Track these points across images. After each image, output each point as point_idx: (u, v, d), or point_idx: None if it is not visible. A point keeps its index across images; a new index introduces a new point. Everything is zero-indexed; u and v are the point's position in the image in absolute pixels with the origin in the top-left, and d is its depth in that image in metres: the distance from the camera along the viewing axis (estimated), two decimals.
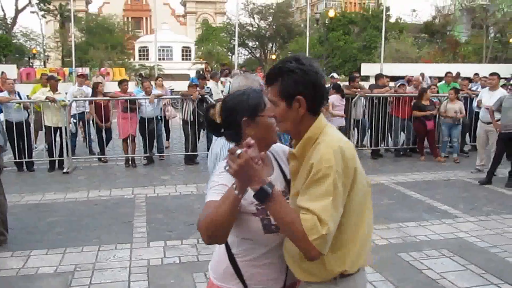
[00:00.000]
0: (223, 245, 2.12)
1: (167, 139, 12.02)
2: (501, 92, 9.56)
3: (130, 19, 69.95)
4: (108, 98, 10.62)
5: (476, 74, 15.29)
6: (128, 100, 9.91)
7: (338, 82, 11.66)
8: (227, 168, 1.74)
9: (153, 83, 11.60)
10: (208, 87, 10.97)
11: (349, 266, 1.96)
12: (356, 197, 1.94)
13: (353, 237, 1.96)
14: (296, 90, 1.91)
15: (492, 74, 10.05)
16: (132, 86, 13.26)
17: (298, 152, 1.99)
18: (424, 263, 5.08)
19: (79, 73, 14.56)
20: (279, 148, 2.26)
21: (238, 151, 1.70)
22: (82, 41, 47.96)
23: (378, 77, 12.19)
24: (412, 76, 13.19)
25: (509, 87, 9.42)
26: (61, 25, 53.18)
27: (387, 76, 12.87)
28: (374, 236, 5.91)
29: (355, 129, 11.31)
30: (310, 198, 1.81)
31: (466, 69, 24.84)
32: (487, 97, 9.63)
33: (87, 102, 10.65)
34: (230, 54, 51.35)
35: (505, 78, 13.35)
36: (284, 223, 1.81)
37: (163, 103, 11.19)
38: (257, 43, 58.46)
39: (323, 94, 1.99)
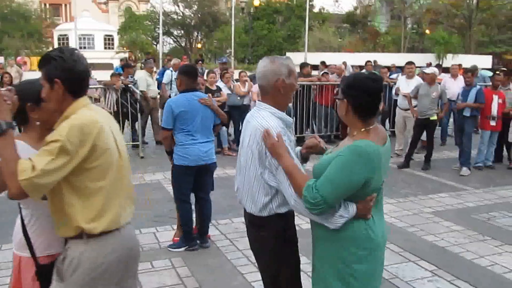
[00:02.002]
0: (20, 218, 2.45)
1: None
2: (417, 80, 10.01)
3: (48, 6, 66.72)
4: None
5: (393, 64, 15.94)
6: None
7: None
8: None
9: None
10: (131, 76, 10.72)
11: (92, 226, 2.29)
12: (95, 168, 2.27)
13: (98, 200, 2.30)
14: (55, 74, 2.27)
15: (409, 63, 10.49)
16: None
17: (56, 128, 2.28)
18: None
19: None
20: None
21: None
22: None
23: (303, 66, 12.40)
24: (335, 65, 13.53)
25: (424, 74, 9.84)
26: None
27: (312, 65, 13.17)
28: (299, 220, 6.05)
29: None
30: (37, 154, 2.15)
31: (386, 59, 25.83)
32: (405, 85, 10.06)
33: None
34: (155, 43, 50.46)
35: (421, 67, 13.97)
36: (4, 159, 2.12)
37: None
38: (182, 31, 57.72)
39: (82, 79, 2.35)
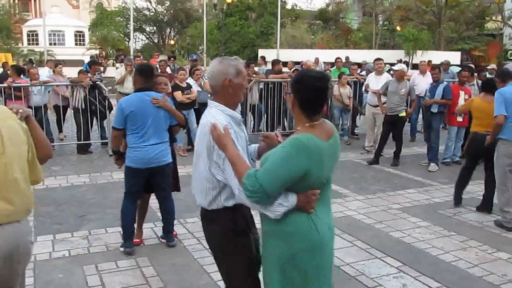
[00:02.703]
0: None
1: (60, 130, 11.35)
2: (386, 76, 10.08)
3: (16, 1, 65.32)
4: None
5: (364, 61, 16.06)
6: (12, 88, 9.29)
7: None
8: None
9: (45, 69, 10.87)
10: (99, 73, 10.56)
11: None
12: None
13: None
14: None
15: (377, 59, 10.54)
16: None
17: None
18: None
19: None
20: None
21: None
22: None
23: (274, 63, 12.40)
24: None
25: (391, 72, 9.94)
26: None
27: (284, 62, 13.19)
28: None
29: (251, 114, 11.46)
30: None
31: (357, 55, 26.01)
32: (374, 82, 10.11)
33: None
34: (127, 39, 49.77)
35: (390, 64, 14.11)
36: None
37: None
38: (154, 28, 57.08)
39: None
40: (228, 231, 2.82)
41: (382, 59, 10.55)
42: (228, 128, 2.66)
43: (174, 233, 5.30)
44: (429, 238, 5.46)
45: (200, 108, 9.84)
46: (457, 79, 9.74)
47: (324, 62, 18.20)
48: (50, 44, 45.68)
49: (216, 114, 2.76)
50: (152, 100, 4.76)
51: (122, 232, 5.05)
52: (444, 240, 5.43)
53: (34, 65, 13.80)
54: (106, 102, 9.91)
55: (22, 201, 2.59)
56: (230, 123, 2.74)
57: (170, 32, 58.31)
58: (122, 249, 4.97)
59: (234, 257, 2.84)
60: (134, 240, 5.11)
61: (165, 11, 55.74)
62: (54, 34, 53.22)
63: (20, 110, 2.70)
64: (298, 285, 2.58)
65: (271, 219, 2.55)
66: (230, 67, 2.80)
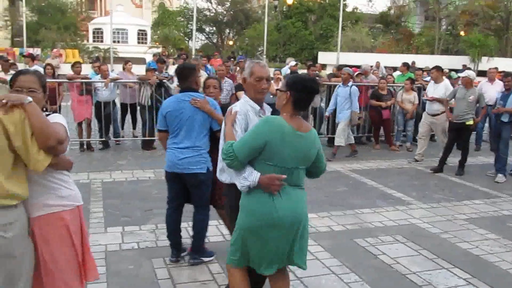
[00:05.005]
0: None
1: (133, 127, 11.26)
2: (445, 83, 9.65)
3: (83, 0, 67.80)
4: (60, 80, 10.30)
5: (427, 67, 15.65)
6: (83, 83, 9.66)
7: (297, 70, 11.69)
8: None
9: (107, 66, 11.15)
10: (167, 72, 10.82)
11: None
12: None
13: None
14: None
15: (434, 68, 10.04)
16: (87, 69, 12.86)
17: None
18: (379, 248, 5.22)
19: (25, 53, 13.98)
20: None
21: None
22: (33, 21, 46.24)
23: (339, 68, 12.24)
24: (371, 66, 13.34)
25: (458, 78, 9.57)
26: (10, 3, 51.00)
27: (343, 65, 13.04)
28: (331, 222, 6.03)
29: (312, 116, 11.42)
30: None
31: (419, 60, 25.43)
32: (432, 89, 9.72)
33: None
34: (187, 39, 50.75)
35: (455, 70, 13.67)
36: None
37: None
38: (214, 28, 57.89)
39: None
40: (233, 205, 3.40)
41: (436, 67, 9.95)
42: (239, 114, 3.32)
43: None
44: (499, 251, 5.28)
45: None
46: None
47: (385, 67, 17.89)
48: (114, 42, 47.06)
49: (240, 103, 3.46)
50: (191, 100, 4.45)
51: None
52: None
53: (101, 62, 14.18)
54: None
55: None
56: (248, 111, 3.39)
57: (229, 32, 58.97)
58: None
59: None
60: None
61: (225, 12, 56.43)
62: (118, 32, 54.76)
63: (3, 101, 2.66)
64: (254, 254, 3.18)
65: (243, 196, 3.20)
66: (248, 68, 3.49)
